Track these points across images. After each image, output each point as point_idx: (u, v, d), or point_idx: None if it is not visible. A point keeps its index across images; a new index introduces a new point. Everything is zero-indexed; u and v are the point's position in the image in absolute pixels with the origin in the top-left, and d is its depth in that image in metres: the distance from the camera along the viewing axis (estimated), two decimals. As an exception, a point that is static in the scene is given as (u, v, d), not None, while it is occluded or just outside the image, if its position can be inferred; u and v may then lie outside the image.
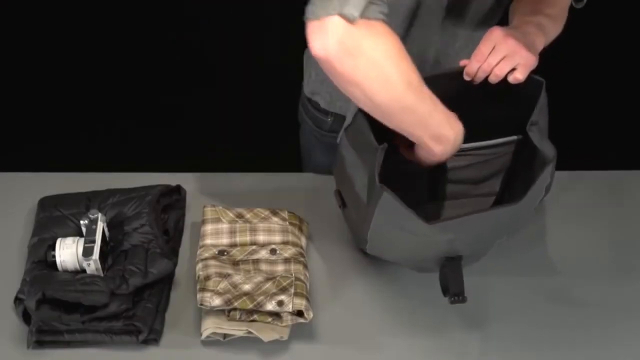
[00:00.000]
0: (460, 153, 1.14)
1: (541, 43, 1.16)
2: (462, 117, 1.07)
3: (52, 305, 1.10)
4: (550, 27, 1.20)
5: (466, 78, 1.13)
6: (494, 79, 1.11)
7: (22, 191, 1.34)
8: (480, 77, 1.12)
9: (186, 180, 1.35)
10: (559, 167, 1.21)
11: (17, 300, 1.14)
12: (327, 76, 1.36)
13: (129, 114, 2.64)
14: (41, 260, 1.18)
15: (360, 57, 0.95)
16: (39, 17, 2.87)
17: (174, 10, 2.91)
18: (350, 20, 0.93)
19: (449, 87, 1.09)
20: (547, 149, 1.10)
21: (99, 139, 2.54)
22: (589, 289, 1.24)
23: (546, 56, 1.17)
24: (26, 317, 1.13)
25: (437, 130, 1.05)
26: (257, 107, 2.61)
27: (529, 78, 1.11)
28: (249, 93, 2.67)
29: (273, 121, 2.44)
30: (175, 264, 1.21)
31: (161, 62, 2.79)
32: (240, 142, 2.50)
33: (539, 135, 1.12)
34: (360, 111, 1.09)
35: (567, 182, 1.37)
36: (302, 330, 1.16)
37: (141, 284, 1.14)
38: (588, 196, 1.38)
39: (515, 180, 1.24)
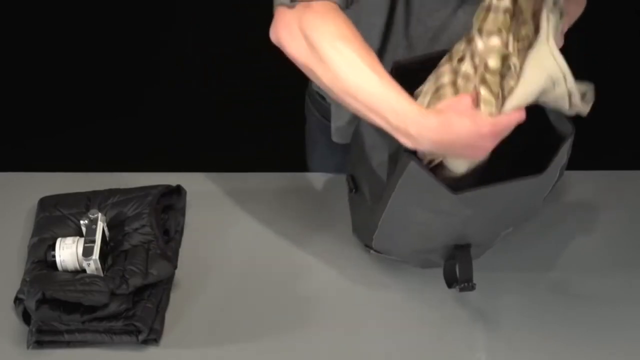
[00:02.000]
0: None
1: (565, 24, 1.13)
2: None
3: (52, 305, 1.10)
4: (572, 7, 1.17)
5: None
6: None
7: (22, 191, 1.34)
8: None
9: (186, 180, 1.34)
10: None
11: (17, 300, 1.14)
12: None
13: (129, 113, 2.64)
14: (41, 260, 1.18)
15: (297, 40, 0.97)
16: (38, 15, 2.87)
17: (174, 8, 2.91)
18: (288, 6, 0.98)
19: None
20: (565, 126, 1.09)
21: (99, 138, 2.54)
22: (590, 286, 1.24)
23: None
24: (26, 317, 1.13)
25: (394, 123, 0.96)
26: (259, 106, 2.61)
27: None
28: (250, 92, 2.67)
29: (275, 121, 2.44)
30: (175, 267, 1.21)
31: (162, 61, 2.79)
32: (242, 142, 2.50)
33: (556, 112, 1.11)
34: None
35: (567, 182, 1.37)
36: (304, 329, 1.16)
37: (141, 285, 1.14)
38: (588, 196, 1.38)
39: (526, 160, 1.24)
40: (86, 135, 2.54)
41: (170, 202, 1.31)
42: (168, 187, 1.31)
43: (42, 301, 1.10)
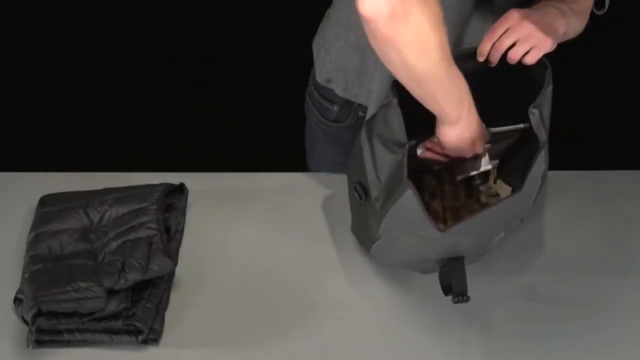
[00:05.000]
0: None
1: (562, 25, 1.14)
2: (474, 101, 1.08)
3: (49, 315, 1.10)
4: (572, 18, 1.17)
5: (479, 58, 1.12)
6: (508, 62, 1.11)
7: (22, 191, 1.34)
8: (494, 57, 1.11)
9: (187, 180, 1.34)
10: (559, 167, 1.21)
11: (17, 300, 1.14)
12: (344, 63, 1.35)
13: (130, 112, 2.64)
14: (38, 254, 1.18)
15: (407, 23, 0.94)
16: (38, 15, 2.87)
17: (175, 8, 2.91)
18: None
19: (465, 68, 1.09)
20: (541, 135, 1.10)
21: (99, 138, 2.54)
22: (590, 288, 1.24)
23: (546, 55, 1.17)
24: (26, 316, 1.13)
25: (457, 99, 1.05)
26: (259, 106, 2.61)
27: (540, 61, 1.10)
28: (250, 92, 2.67)
29: (275, 121, 2.44)
30: (175, 264, 1.21)
31: (163, 60, 2.80)
32: (242, 142, 2.50)
33: (538, 119, 1.11)
34: (387, 107, 1.10)
35: (567, 182, 1.37)
36: (304, 329, 1.16)
37: (140, 280, 1.14)
38: (588, 196, 1.38)
39: (510, 166, 1.25)
40: (86, 135, 2.54)
41: (172, 201, 1.31)
42: (172, 185, 1.31)
43: (39, 314, 1.10)
